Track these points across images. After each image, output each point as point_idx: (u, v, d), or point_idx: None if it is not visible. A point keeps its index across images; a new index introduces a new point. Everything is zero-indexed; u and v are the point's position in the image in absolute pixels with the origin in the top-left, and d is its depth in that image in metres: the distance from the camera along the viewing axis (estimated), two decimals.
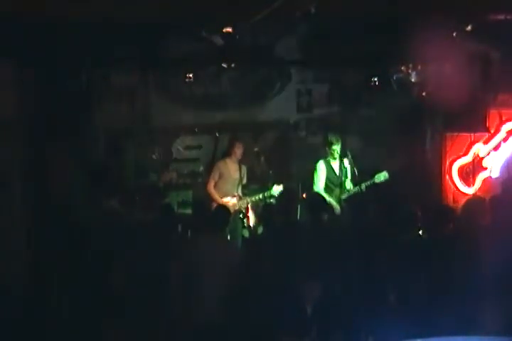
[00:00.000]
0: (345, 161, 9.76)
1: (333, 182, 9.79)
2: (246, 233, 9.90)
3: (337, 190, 9.76)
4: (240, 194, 10.00)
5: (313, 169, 9.86)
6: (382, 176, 9.64)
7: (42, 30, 8.29)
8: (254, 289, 6.85)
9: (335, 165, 9.79)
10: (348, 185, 9.74)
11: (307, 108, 11.27)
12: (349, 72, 10.45)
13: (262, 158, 10.38)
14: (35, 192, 8.89)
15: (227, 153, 10.09)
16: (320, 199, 8.43)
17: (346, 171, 9.74)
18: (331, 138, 9.72)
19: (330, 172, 9.80)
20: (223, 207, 8.02)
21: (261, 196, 10.03)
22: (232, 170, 10.00)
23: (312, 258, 6.78)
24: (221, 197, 9.86)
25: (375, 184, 9.65)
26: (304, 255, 6.80)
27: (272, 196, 9.92)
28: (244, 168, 10.07)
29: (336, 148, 9.68)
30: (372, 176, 9.68)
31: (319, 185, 9.82)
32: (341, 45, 9.37)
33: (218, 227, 7.18)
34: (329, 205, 9.06)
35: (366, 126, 10.25)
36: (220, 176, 9.97)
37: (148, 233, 7.34)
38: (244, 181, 10.13)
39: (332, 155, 9.75)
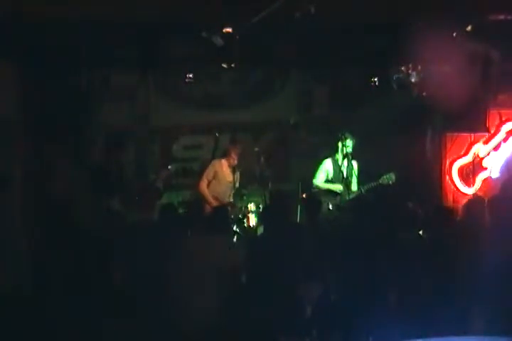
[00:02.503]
0: (354, 162, 9.75)
1: (339, 182, 9.76)
2: (246, 233, 9.88)
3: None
4: (232, 200, 9.85)
5: (318, 165, 9.86)
6: (389, 178, 9.63)
7: (42, 30, 8.29)
8: (254, 289, 6.85)
9: (343, 164, 9.75)
10: (354, 185, 9.70)
11: (307, 108, 11.28)
12: (349, 72, 10.45)
13: (262, 158, 10.36)
14: (35, 192, 8.89)
15: (224, 154, 9.99)
16: (318, 199, 8.44)
17: (353, 172, 9.70)
18: (345, 134, 9.67)
19: (336, 171, 9.77)
20: (223, 208, 7.99)
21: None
22: (226, 172, 9.88)
23: (312, 258, 6.78)
24: (213, 199, 9.74)
25: (378, 185, 9.65)
26: (304, 255, 6.80)
27: None
28: (238, 173, 9.92)
29: (349, 144, 9.65)
30: (378, 177, 9.67)
31: (318, 179, 9.83)
32: (341, 45, 9.37)
33: (219, 228, 7.15)
34: (335, 192, 9.17)
35: (366, 126, 10.24)
36: (215, 176, 9.84)
37: (149, 233, 7.34)
38: (237, 186, 9.95)
39: (342, 152, 9.72)
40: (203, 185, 9.80)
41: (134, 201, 9.60)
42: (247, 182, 10.38)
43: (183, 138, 11.08)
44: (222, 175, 9.86)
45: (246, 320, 6.67)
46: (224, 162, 9.91)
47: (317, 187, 9.84)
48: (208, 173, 9.86)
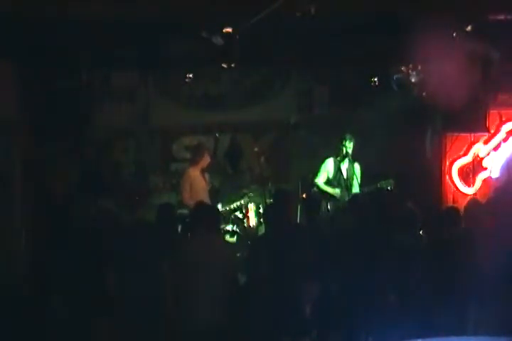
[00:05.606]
0: (356, 164, 9.72)
1: (339, 183, 9.74)
2: (246, 233, 9.88)
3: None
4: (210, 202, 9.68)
5: (321, 164, 9.84)
6: (386, 184, 9.61)
7: (42, 30, 8.30)
8: (255, 290, 6.85)
9: (343, 165, 9.73)
10: (355, 187, 9.68)
11: (307, 108, 11.28)
12: (349, 72, 10.45)
13: (262, 158, 10.36)
14: (35, 192, 8.90)
15: (193, 162, 9.80)
16: (318, 199, 8.43)
17: (354, 173, 9.67)
18: (345, 136, 9.66)
19: (336, 172, 9.74)
20: (211, 207, 7.89)
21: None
22: (200, 179, 9.72)
23: (312, 258, 6.78)
24: None
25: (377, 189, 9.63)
26: (304, 255, 6.79)
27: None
28: (207, 176, 9.81)
29: (349, 145, 9.63)
30: (377, 182, 9.63)
31: (320, 179, 9.79)
32: (341, 45, 9.37)
33: (209, 226, 7.07)
34: (332, 196, 9.26)
35: (366, 126, 10.24)
36: (192, 187, 9.63)
37: (147, 233, 7.33)
38: (208, 188, 9.82)
39: (342, 153, 9.71)
40: (186, 198, 9.57)
41: (134, 201, 9.60)
42: (247, 182, 10.39)
43: (183, 138, 11.08)
44: (197, 184, 9.68)
45: (247, 320, 6.68)
46: (194, 170, 9.73)
47: (317, 186, 9.80)
48: (185, 187, 9.66)
